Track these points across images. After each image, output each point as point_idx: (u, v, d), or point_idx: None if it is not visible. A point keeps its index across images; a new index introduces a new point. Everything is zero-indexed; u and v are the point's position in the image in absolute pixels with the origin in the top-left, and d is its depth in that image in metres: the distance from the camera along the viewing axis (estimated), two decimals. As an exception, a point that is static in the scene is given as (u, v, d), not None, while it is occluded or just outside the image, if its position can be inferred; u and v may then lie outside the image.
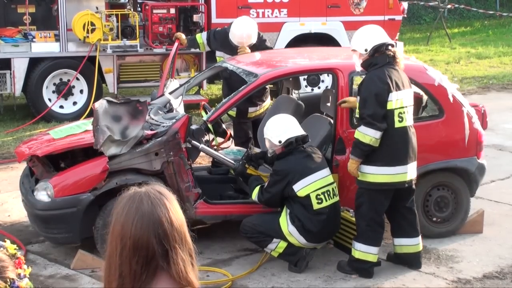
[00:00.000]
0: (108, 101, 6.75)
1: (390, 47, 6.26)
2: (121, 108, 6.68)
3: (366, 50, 6.23)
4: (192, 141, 6.57)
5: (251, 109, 8.46)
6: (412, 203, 6.44)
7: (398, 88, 6.14)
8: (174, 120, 6.71)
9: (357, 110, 6.27)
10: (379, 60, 6.20)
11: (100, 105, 6.64)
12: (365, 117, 6.07)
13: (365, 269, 6.30)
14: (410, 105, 6.29)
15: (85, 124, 7.24)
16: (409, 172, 6.24)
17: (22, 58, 11.49)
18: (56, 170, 6.78)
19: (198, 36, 8.95)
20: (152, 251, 2.21)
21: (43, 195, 6.45)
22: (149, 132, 6.60)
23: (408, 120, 6.26)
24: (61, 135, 7.06)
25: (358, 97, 6.27)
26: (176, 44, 8.11)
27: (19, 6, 12.19)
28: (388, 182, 6.18)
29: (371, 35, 6.30)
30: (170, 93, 7.70)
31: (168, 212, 2.25)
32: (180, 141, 6.52)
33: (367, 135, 6.07)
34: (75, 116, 11.38)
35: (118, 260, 2.23)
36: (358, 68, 6.46)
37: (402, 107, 6.20)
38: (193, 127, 6.66)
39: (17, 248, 4.32)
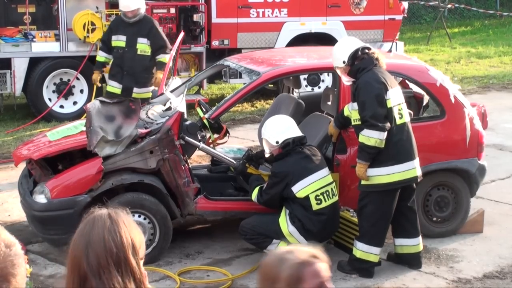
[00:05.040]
0: (101, 101, 6.75)
1: (366, 50, 6.30)
2: (114, 108, 6.67)
3: (344, 62, 6.29)
4: (187, 138, 6.55)
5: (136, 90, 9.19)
6: (413, 203, 6.43)
7: (391, 86, 6.17)
8: (167, 117, 6.71)
9: (354, 118, 6.28)
10: (365, 64, 6.22)
11: (93, 105, 6.64)
12: (367, 119, 6.07)
13: (365, 269, 6.30)
14: (403, 102, 6.32)
15: (82, 124, 7.24)
16: (417, 167, 6.26)
17: (22, 58, 11.48)
18: (55, 171, 6.78)
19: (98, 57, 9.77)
20: (83, 271, 2.21)
21: (41, 198, 6.45)
22: (143, 130, 6.60)
23: (406, 116, 6.28)
24: (58, 137, 7.05)
25: (353, 104, 6.28)
26: (178, 40, 8.10)
27: (19, 5, 12.18)
28: (401, 179, 6.17)
29: (343, 47, 6.38)
30: (171, 91, 7.70)
31: (107, 234, 2.22)
32: (173, 138, 6.51)
33: (372, 137, 6.06)
34: (75, 116, 11.36)
35: (65, 278, 2.30)
36: (347, 82, 6.48)
37: (399, 104, 6.23)
38: (187, 122, 6.65)
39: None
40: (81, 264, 2.21)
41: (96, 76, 9.80)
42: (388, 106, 6.12)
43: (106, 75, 10.17)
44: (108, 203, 5.98)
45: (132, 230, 2.31)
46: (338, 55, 6.35)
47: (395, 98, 6.18)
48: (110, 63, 9.59)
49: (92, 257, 2.21)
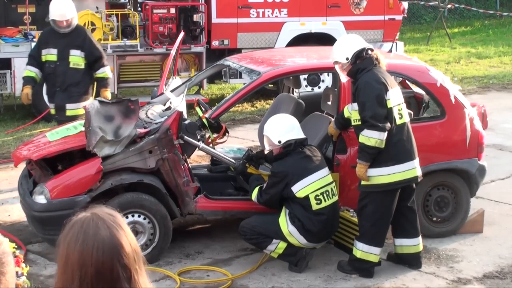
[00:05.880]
0: (100, 101, 6.76)
1: (369, 51, 6.29)
2: (113, 108, 6.67)
3: (347, 59, 6.26)
4: (186, 137, 6.54)
5: (69, 106, 8.39)
6: (413, 203, 6.44)
7: (391, 86, 6.17)
8: (165, 117, 6.71)
9: (354, 118, 6.28)
10: (366, 64, 6.21)
11: (92, 105, 6.64)
12: (367, 120, 6.07)
13: (365, 269, 6.30)
14: (403, 102, 6.32)
15: (81, 124, 7.24)
16: (417, 167, 6.26)
17: (22, 58, 11.46)
18: (54, 171, 6.78)
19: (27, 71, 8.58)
20: (116, 275, 2.16)
21: (40, 198, 6.45)
22: (142, 130, 6.60)
23: (406, 117, 6.29)
24: (57, 137, 7.05)
25: (353, 104, 6.28)
26: (178, 40, 8.08)
27: (19, 6, 12.20)
28: (401, 180, 6.17)
29: (350, 43, 6.34)
30: (172, 91, 7.70)
31: (125, 233, 2.20)
32: (172, 137, 6.51)
33: (372, 137, 6.06)
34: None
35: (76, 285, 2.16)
36: (344, 79, 6.47)
37: (399, 104, 6.23)
38: (186, 122, 6.64)
39: (16, 246, 4.33)
40: (113, 269, 2.15)
41: (27, 90, 8.53)
42: (388, 106, 6.12)
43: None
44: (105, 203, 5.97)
45: None
46: (342, 51, 6.31)
47: (395, 98, 6.18)
48: (39, 80, 8.68)
49: (126, 258, 2.17)
